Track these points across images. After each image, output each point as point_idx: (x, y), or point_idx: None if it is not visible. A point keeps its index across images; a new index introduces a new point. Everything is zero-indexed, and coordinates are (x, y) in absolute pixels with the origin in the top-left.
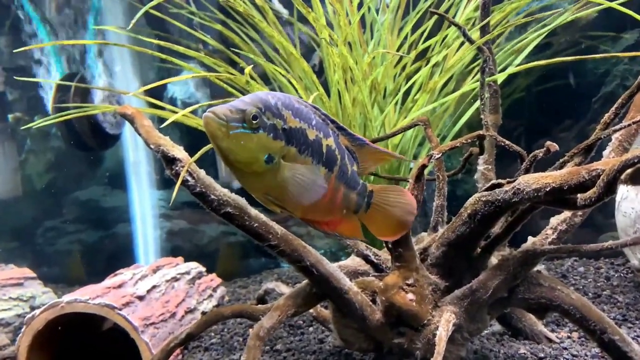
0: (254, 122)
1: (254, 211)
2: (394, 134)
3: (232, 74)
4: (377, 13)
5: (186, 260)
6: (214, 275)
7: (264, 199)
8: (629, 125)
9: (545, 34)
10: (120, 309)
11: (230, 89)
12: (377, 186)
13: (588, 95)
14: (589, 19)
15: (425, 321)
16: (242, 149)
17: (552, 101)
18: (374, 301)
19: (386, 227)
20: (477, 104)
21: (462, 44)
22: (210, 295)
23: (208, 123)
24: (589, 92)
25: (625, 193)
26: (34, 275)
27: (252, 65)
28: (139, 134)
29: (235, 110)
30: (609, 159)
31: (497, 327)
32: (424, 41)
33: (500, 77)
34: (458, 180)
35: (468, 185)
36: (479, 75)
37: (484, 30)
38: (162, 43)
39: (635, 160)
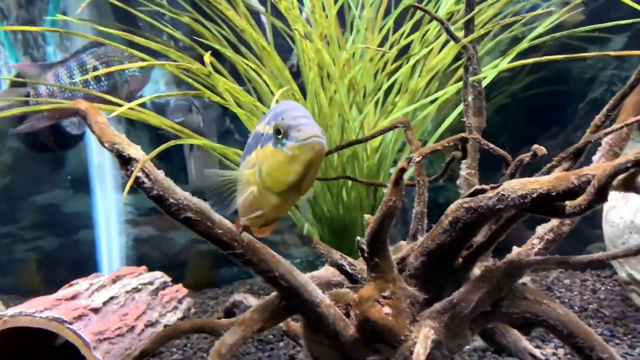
0: None
1: (217, 216)
2: (373, 136)
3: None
4: (361, 9)
5: (154, 269)
6: (179, 285)
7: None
8: (620, 128)
9: (534, 37)
10: (70, 323)
11: (196, 83)
12: None
13: (575, 101)
14: (576, 21)
15: (403, 337)
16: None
17: (538, 107)
18: (347, 315)
19: None
20: (461, 106)
21: (445, 43)
22: (175, 307)
23: (322, 150)
24: (575, 98)
25: (613, 202)
26: None
27: (210, 52)
28: (93, 132)
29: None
30: (599, 164)
31: (479, 342)
32: (406, 37)
33: (487, 76)
34: (440, 187)
35: (450, 192)
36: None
37: (468, 27)
38: (123, 34)
39: (629, 165)
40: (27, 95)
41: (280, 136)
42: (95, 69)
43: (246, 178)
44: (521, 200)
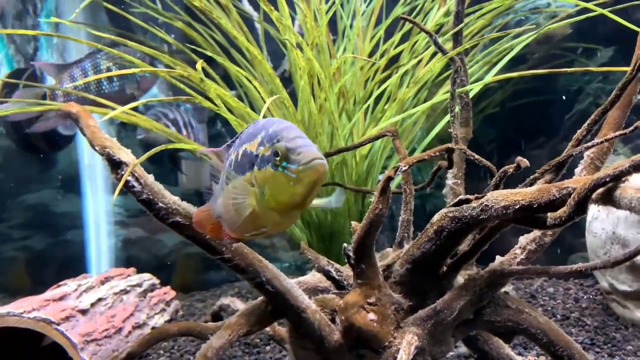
0: None
1: None
2: (361, 144)
3: (186, 71)
4: (352, 19)
5: (143, 271)
6: (167, 288)
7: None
8: (601, 142)
9: (520, 47)
10: (58, 324)
11: (188, 89)
12: None
13: (562, 112)
14: (564, 33)
15: (387, 343)
16: None
17: (526, 117)
18: (333, 320)
19: None
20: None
21: (434, 53)
22: (163, 310)
23: (325, 171)
24: (562, 109)
25: (596, 213)
26: None
27: (203, 60)
28: (84, 135)
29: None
30: (580, 177)
31: (462, 349)
32: (395, 47)
33: (473, 89)
34: (428, 195)
35: (438, 200)
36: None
37: (456, 40)
38: (118, 39)
39: (607, 179)
40: (44, 96)
41: (278, 159)
42: (108, 69)
43: (245, 197)
44: (504, 211)
